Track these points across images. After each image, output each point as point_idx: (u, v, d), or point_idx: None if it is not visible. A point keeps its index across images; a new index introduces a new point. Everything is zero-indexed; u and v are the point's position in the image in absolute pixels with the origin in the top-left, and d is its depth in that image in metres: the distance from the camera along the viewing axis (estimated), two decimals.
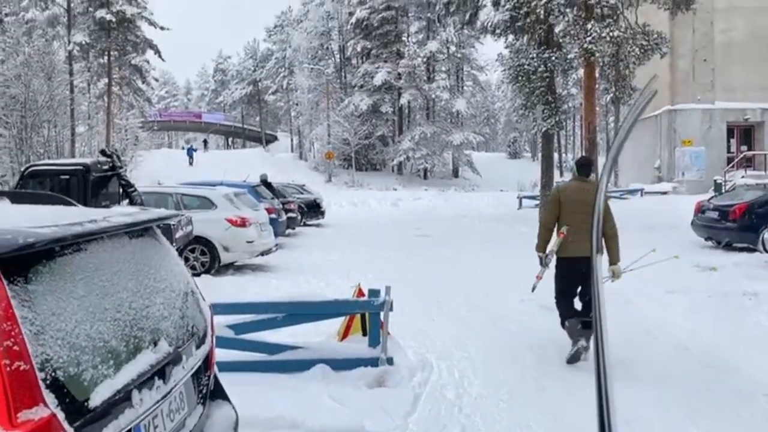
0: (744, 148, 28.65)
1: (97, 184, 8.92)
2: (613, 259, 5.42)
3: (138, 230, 2.37)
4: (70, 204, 4.18)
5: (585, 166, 5.82)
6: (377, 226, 19.56)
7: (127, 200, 9.35)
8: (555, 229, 5.56)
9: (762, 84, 27.67)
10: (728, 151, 28.58)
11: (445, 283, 9.41)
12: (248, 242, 10.62)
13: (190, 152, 47.82)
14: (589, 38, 15.46)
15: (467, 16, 24.07)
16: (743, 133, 29.08)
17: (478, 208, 25.99)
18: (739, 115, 28.06)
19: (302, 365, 4.87)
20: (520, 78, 22.23)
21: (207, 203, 10.80)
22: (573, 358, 5.26)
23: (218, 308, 4.51)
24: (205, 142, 65.17)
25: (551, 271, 5.64)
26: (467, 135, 45.94)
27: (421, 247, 14.10)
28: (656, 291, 8.18)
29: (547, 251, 5.61)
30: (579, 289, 5.48)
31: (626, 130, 1.24)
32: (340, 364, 4.86)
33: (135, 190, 9.61)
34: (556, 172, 30.08)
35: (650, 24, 16.56)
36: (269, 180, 17.47)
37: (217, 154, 57.85)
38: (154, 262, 2.40)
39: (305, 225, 18.99)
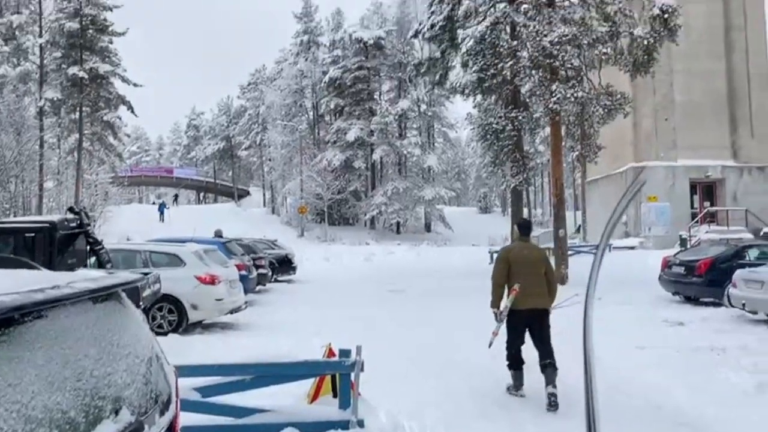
0: (707, 203, 29.50)
1: (64, 242, 8.73)
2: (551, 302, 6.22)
3: (102, 295, 2.33)
4: (32, 267, 4.10)
5: (525, 227, 6.43)
6: (350, 282, 19.45)
7: (94, 258, 9.17)
8: (506, 287, 6.05)
9: (720, 142, 28.80)
10: (692, 207, 29.39)
11: (418, 338, 9.34)
12: (217, 300, 10.43)
13: (162, 208, 47.32)
14: (555, 99, 15.94)
15: (437, 77, 24.79)
16: (705, 190, 29.99)
17: (451, 263, 26.06)
18: (700, 171, 29.00)
19: (270, 429, 4.75)
20: (488, 136, 22.80)
21: (176, 260, 10.64)
22: (508, 388, 6.14)
23: (185, 370, 4.40)
24: (176, 196, 64.79)
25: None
26: (439, 190, 46.65)
27: (394, 303, 14.02)
28: (626, 346, 8.23)
29: (501, 308, 6.03)
30: (529, 336, 5.97)
31: (619, 213, 1.41)
32: (310, 428, 4.74)
33: (103, 248, 9.43)
34: None
35: (613, 85, 17.17)
36: (224, 235, 17.47)
37: (188, 209, 57.40)
38: (118, 327, 2.36)
39: (276, 281, 18.80)
